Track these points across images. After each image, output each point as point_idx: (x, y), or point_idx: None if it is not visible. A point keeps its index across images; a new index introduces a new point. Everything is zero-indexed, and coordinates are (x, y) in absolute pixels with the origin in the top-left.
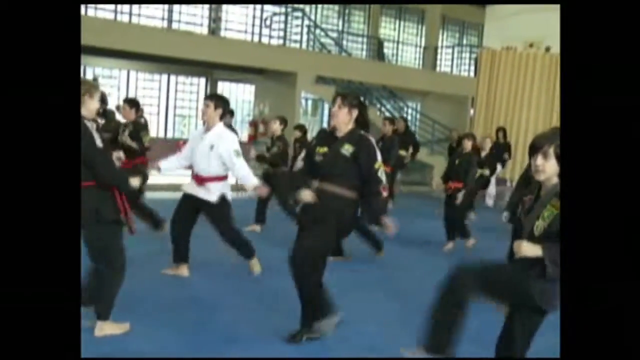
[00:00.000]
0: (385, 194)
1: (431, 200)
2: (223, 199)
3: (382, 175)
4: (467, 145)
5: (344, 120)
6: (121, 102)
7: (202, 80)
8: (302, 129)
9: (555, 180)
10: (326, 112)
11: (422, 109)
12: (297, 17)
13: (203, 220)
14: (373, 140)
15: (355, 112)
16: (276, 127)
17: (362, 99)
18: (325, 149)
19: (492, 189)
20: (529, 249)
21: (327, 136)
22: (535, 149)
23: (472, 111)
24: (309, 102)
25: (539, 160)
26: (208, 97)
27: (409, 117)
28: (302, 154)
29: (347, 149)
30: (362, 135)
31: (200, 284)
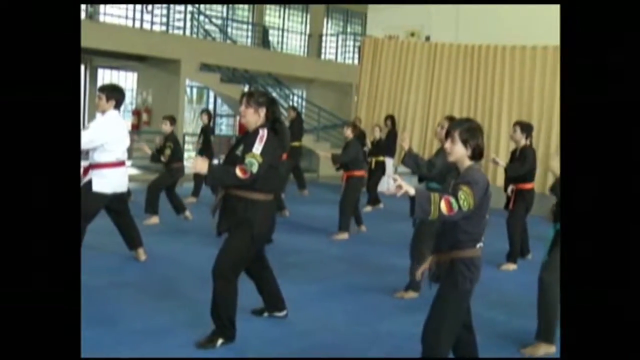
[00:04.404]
0: (239, 173)
1: (318, 187)
2: None
3: (249, 162)
4: (348, 133)
5: (252, 120)
6: None
7: (81, 68)
8: (208, 114)
9: (467, 163)
10: (211, 100)
11: (307, 96)
12: (179, 3)
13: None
14: (264, 132)
15: (263, 111)
16: (167, 127)
17: (249, 86)
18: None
19: (389, 175)
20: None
21: (240, 139)
22: (446, 134)
23: (355, 98)
24: (194, 90)
25: (448, 143)
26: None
27: (295, 105)
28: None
29: (240, 150)
30: (255, 129)
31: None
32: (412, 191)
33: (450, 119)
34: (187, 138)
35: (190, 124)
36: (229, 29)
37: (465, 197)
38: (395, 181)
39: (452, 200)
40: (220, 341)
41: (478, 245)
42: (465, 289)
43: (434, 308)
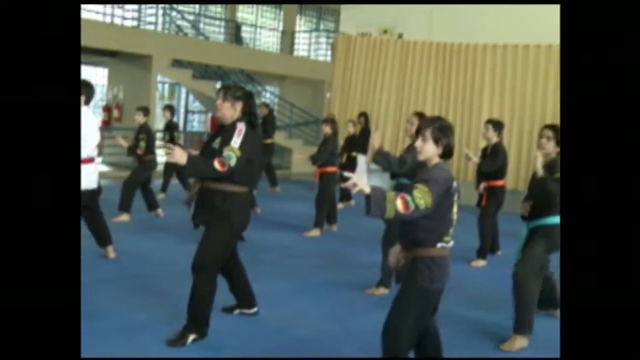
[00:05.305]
0: (218, 165)
1: (291, 184)
2: None
3: (227, 155)
4: (326, 129)
5: (228, 114)
6: None
7: None
8: (171, 109)
9: (435, 161)
10: (183, 96)
11: (280, 93)
12: (166, 3)
13: None
14: (242, 126)
15: (239, 105)
16: (140, 118)
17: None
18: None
19: (362, 172)
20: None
21: (216, 133)
22: (417, 132)
23: (328, 95)
24: (166, 86)
25: (419, 142)
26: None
27: (268, 102)
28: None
29: (217, 143)
30: (233, 123)
31: None
32: (367, 189)
33: (419, 115)
34: (158, 134)
35: (162, 120)
36: (202, 25)
37: (422, 196)
38: (351, 179)
39: (408, 198)
40: (192, 337)
41: (439, 245)
42: (424, 287)
43: (394, 306)
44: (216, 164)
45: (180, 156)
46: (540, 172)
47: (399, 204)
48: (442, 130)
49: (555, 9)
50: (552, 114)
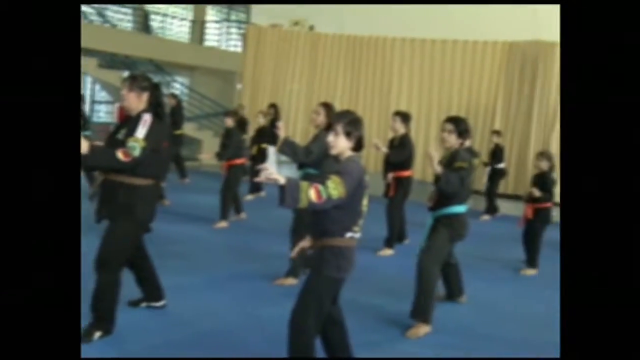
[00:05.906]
0: (121, 156)
1: (201, 175)
2: None
3: (131, 145)
4: (229, 122)
5: (134, 104)
6: None
7: None
8: (82, 98)
9: (347, 154)
10: (89, 85)
11: (190, 83)
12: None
13: None
14: (147, 116)
15: (145, 95)
16: None
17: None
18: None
19: (272, 163)
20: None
21: (121, 124)
22: (329, 127)
23: (239, 86)
24: None
25: (331, 137)
26: None
27: (178, 92)
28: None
29: (122, 134)
30: (138, 114)
31: None
32: (282, 180)
33: (325, 105)
34: None
35: None
36: (108, 12)
37: (335, 186)
38: (266, 170)
39: (321, 188)
40: (98, 334)
41: (348, 235)
42: (330, 275)
43: (300, 294)
44: (119, 154)
45: (81, 145)
46: (438, 170)
47: (312, 193)
48: (352, 124)
49: (465, 7)
50: (458, 106)
